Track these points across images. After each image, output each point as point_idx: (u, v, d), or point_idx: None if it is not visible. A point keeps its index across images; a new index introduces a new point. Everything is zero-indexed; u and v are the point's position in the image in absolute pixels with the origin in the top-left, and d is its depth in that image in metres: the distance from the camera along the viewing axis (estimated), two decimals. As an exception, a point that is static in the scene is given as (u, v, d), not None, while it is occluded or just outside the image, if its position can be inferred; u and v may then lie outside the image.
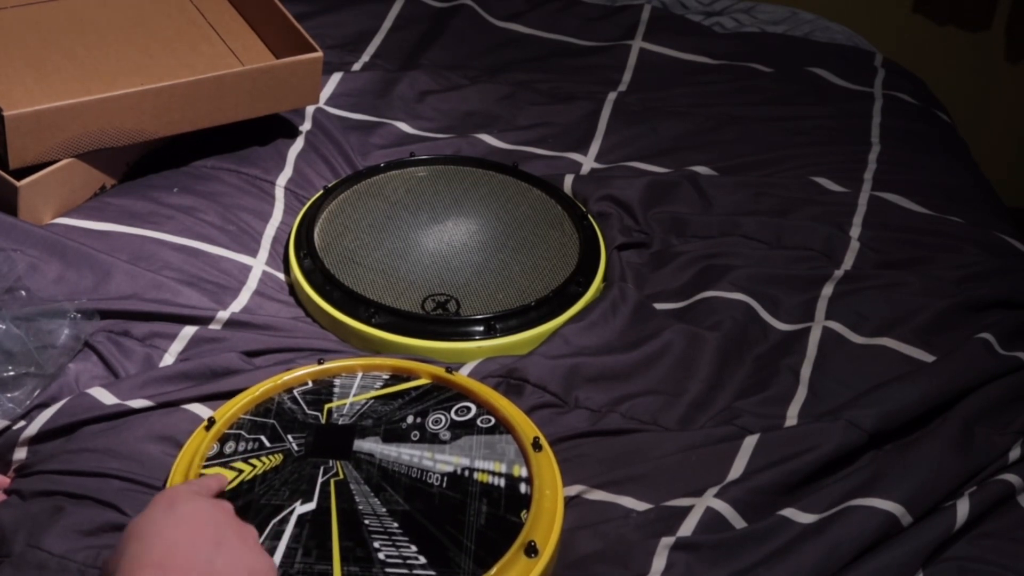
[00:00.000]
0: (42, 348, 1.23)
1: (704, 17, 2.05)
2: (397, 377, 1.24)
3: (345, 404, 1.20)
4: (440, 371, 1.24)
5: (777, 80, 1.85)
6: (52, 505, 1.11)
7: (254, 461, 1.14)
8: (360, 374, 1.24)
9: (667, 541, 1.08)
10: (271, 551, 1.04)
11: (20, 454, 1.18)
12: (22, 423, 1.19)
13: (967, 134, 1.90)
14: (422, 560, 1.04)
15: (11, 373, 1.21)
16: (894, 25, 2.30)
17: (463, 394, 1.21)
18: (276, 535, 1.06)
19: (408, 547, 1.05)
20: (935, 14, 2.31)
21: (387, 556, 1.04)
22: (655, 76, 1.85)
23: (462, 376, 1.25)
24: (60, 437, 1.18)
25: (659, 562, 1.07)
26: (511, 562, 1.04)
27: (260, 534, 1.06)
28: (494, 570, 1.02)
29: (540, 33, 1.94)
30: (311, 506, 1.09)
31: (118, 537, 1.09)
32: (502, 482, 1.12)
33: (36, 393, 1.22)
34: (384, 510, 1.08)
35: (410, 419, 1.18)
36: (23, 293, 1.28)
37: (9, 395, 1.21)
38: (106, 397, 1.20)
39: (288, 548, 1.05)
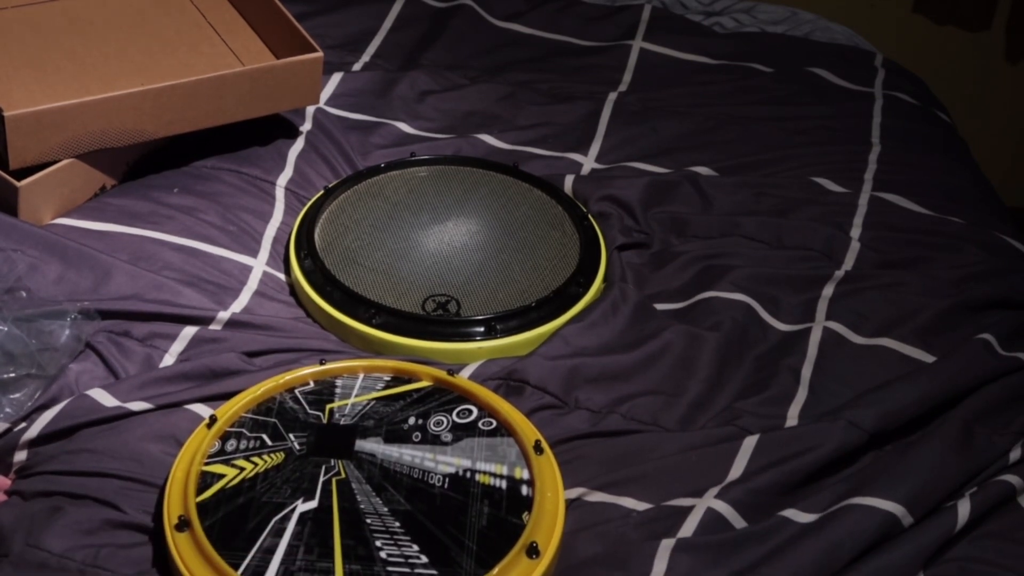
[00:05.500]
0: (43, 349, 1.23)
1: (704, 17, 2.05)
2: (399, 379, 1.24)
3: (347, 404, 1.20)
4: (441, 373, 1.24)
5: (777, 80, 1.85)
6: (51, 505, 1.11)
7: (256, 459, 1.14)
8: (362, 375, 1.24)
9: (668, 543, 1.08)
10: (272, 549, 1.04)
11: (21, 456, 1.18)
12: (22, 425, 1.19)
13: (967, 134, 1.90)
14: (424, 559, 1.04)
15: (12, 375, 1.21)
16: (894, 25, 2.30)
17: (464, 397, 1.21)
18: (278, 533, 1.06)
19: (410, 546, 1.05)
20: (935, 14, 2.31)
21: (389, 555, 1.04)
22: (655, 76, 1.85)
23: (463, 379, 1.25)
24: (60, 439, 1.18)
25: (660, 564, 1.06)
26: (513, 563, 1.04)
27: (262, 532, 1.06)
28: (496, 570, 1.03)
29: (540, 33, 1.94)
30: (313, 504, 1.09)
31: (117, 535, 1.09)
32: (504, 484, 1.12)
33: (37, 395, 1.22)
34: (386, 509, 1.08)
35: (412, 420, 1.18)
36: (23, 294, 1.28)
37: (10, 397, 1.20)
38: (106, 399, 1.20)
39: (290, 546, 1.05)
